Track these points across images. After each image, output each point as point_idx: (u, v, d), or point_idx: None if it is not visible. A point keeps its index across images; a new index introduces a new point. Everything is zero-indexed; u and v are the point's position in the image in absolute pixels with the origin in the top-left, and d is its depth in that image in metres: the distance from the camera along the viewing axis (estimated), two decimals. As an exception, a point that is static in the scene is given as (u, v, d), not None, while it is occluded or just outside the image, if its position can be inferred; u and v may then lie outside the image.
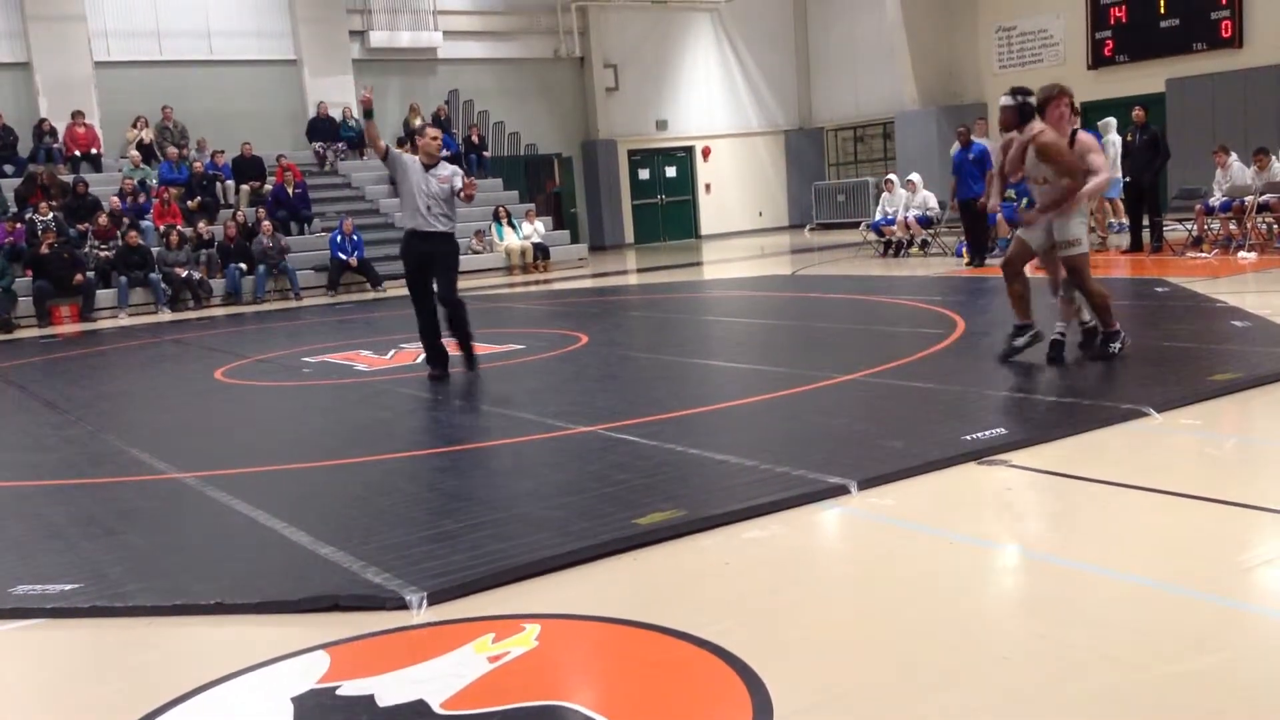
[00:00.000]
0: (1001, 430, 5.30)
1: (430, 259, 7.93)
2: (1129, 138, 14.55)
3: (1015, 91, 6.88)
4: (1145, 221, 14.30)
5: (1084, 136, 6.97)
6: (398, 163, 7.95)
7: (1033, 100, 6.79)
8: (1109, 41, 20.48)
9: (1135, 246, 14.30)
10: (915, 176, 17.33)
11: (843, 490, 4.56)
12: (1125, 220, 15.34)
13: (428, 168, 7.92)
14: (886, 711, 2.78)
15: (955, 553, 3.90)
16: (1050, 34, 21.58)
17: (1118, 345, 6.96)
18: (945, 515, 4.32)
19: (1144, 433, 5.31)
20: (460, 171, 8.15)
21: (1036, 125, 6.74)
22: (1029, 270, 7.31)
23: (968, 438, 5.20)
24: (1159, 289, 10.55)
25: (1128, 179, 14.48)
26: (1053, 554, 3.92)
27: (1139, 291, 10.66)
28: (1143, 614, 3.25)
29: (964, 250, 14.85)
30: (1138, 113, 14.52)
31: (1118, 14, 20.28)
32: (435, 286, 8.02)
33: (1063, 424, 5.40)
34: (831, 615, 3.44)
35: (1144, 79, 19.50)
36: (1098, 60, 20.64)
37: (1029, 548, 4.04)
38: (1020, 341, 7.09)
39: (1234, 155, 14.12)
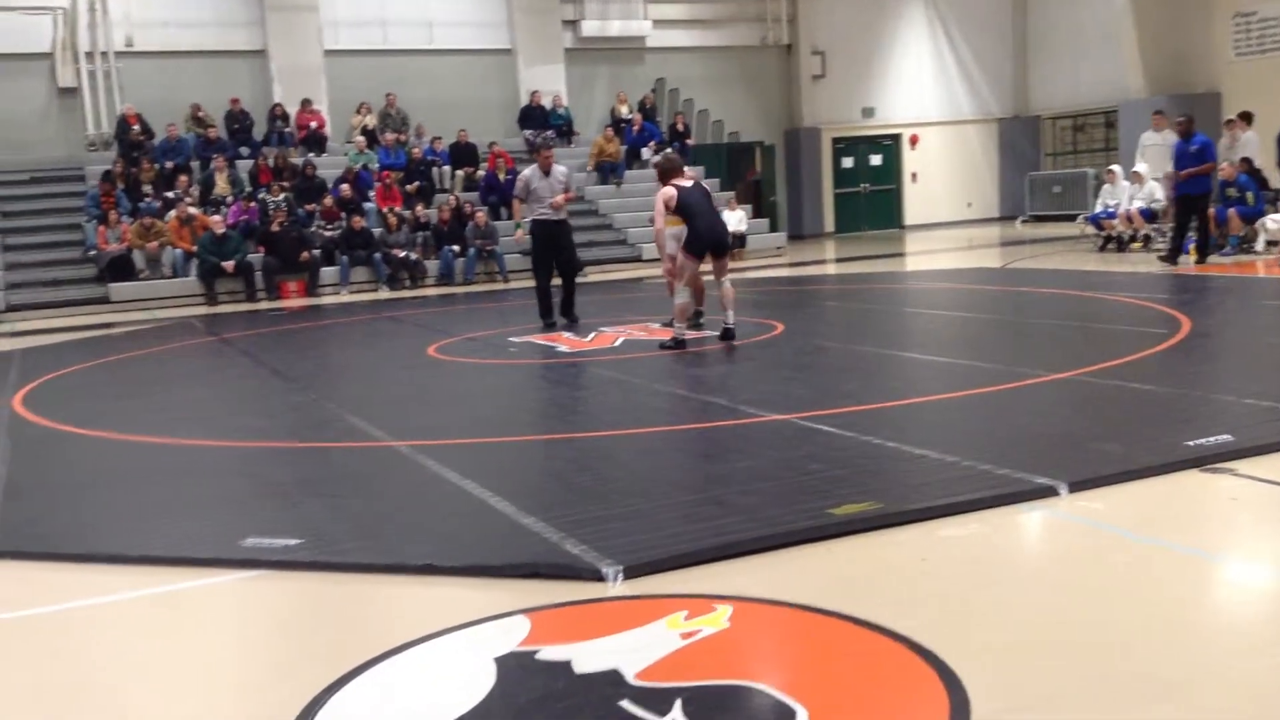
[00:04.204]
0: (1228, 436, 4.98)
1: (557, 238, 10.89)
2: None
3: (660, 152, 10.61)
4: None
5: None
6: (525, 184, 10.82)
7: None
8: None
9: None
10: (1141, 167, 16.43)
11: (1051, 491, 4.39)
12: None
13: (545, 174, 10.71)
14: (1091, 720, 2.67)
15: (1171, 562, 3.70)
16: (1296, 19, 20.03)
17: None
18: (1163, 523, 4.09)
19: (1391, 447, 4.89)
20: (568, 174, 11.06)
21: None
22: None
23: (1190, 443, 4.91)
24: None
25: None
26: (1277, 569, 3.67)
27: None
28: (1384, 640, 3.01)
29: (1190, 247, 13.97)
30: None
31: (1377, -5, 18.65)
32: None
33: (1297, 433, 5.03)
34: (1034, 618, 3.32)
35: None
36: (1351, 45, 19.04)
37: (1251, 561, 3.80)
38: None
39: None
